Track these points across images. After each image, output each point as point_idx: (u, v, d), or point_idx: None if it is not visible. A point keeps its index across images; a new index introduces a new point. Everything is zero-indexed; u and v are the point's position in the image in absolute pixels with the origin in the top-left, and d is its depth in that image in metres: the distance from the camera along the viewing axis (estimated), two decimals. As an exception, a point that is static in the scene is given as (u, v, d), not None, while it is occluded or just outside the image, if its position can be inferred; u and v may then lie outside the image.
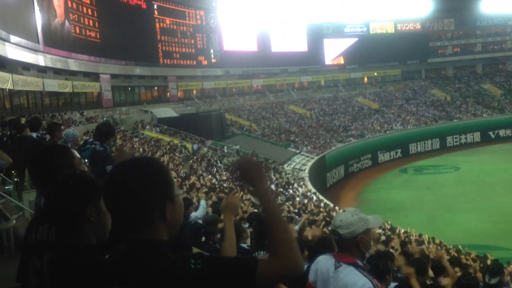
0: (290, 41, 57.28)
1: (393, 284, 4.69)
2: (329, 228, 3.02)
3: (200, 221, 7.38)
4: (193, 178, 17.57)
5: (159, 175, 1.55)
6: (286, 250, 1.52)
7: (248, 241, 6.68)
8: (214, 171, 25.31)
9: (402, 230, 19.14)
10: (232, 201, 2.78)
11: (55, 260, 1.94)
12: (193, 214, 7.44)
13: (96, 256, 1.86)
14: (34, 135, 7.34)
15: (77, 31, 33.63)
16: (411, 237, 17.24)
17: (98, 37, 36.06)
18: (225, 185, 20.63)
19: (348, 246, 2.89)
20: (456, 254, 14.71)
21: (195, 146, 30.79)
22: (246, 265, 1.46)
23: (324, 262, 3.00)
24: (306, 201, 22.83)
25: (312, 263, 3.48)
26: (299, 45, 58.47)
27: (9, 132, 9.98)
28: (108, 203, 1.57)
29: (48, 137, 6.86)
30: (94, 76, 36.35)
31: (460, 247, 17.58)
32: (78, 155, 2.52)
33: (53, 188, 2.04)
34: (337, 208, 23.65)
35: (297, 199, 22.58)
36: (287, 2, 54.90)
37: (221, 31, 51.75)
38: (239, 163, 1.82)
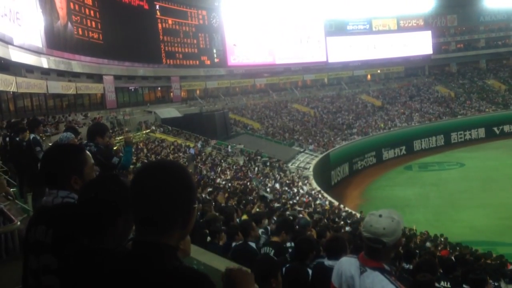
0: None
1: None
2: (366, 236, 2.62)
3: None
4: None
5: (189, 181, 1.48)
6: None
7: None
8: (219, 171, 25.33)
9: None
10: None
11: (74, 261, 1.85)
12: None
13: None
14: (32, 136, 7.33)
15: (80, 32, 33.66)
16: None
17: (101, 38, 36.07)
18: (229, 184, 20.68)
19: (388, 253, 2.66)
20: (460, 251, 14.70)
21: (192, 151, 28.49)
22: None
23: (347, 265, 2.78)
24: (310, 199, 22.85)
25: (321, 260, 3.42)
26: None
27: (7, 137, 10.00)
28: (134, 205, 1.47)
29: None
30: (97, 78, 36.40)
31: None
32: (92, 161, 2.35)
33: (85, 197, 1.91)
34: (342, 206, 23.61)
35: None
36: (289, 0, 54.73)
37: (223, 30, 51.68)
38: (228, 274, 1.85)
